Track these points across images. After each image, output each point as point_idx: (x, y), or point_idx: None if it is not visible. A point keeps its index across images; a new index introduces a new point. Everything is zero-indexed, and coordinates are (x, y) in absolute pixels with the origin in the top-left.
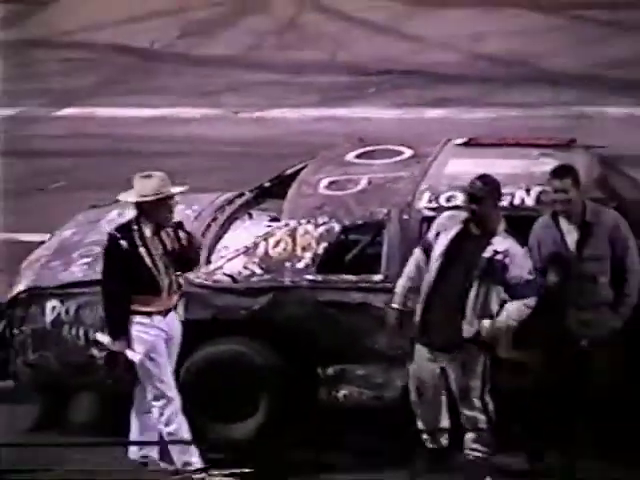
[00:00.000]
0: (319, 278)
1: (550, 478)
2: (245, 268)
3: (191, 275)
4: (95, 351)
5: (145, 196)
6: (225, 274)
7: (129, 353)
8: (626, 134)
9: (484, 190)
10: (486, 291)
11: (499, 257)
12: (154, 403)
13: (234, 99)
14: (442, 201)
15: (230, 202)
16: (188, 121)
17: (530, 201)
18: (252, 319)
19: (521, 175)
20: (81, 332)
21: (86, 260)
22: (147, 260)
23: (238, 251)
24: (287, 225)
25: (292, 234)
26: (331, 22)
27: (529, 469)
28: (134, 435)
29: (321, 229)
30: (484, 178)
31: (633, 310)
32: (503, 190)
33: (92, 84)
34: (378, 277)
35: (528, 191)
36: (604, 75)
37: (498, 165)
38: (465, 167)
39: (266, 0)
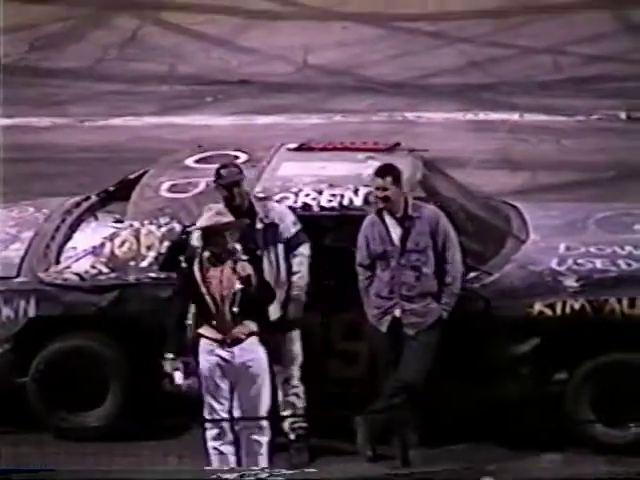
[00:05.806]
0: (162, 275)
1: (383, 460)
2: (92, 267)
3: (42, 274)
4: None
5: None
6: (74, 273)
7: (176, 375)
8: (447, 138)
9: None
10: None
11: None
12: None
13: (80, 108)
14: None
15: (77, 205)
16: (39, 130)
17: (358, 201)
18: (99, 315)
19: (349, 177)
20: None
21: None
22: (202, 287)
23: (86, 251)
24: (131, 226)
25: (136, 234)
26: (170, 35)
27: (364, 454)
28: None
29: (163, 229)
30: None
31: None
32: (333, 191)
33: None
34: None
35: (356, 192)
36: (427, 83)
37: (328, 168)
38: (297, 170)
39: (109, 15)
